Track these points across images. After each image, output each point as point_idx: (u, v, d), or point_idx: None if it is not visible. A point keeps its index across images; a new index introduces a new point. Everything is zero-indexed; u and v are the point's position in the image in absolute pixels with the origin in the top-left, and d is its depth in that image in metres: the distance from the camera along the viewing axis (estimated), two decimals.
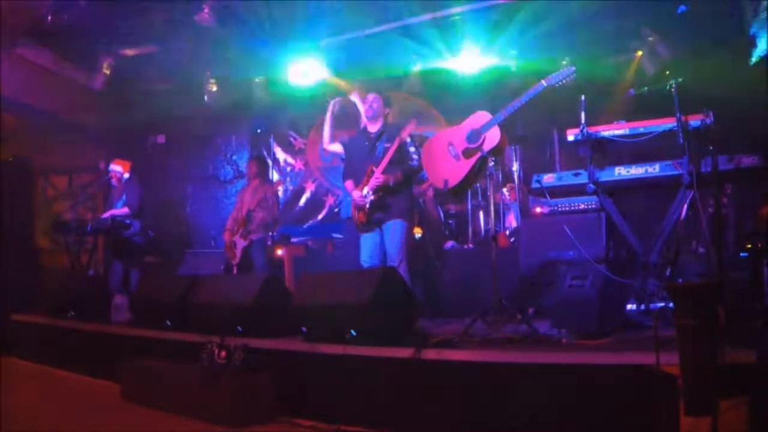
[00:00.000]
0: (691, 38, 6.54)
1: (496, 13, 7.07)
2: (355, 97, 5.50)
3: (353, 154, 5.02)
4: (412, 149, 4.82)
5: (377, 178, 4.68)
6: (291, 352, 3.94)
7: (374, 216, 4.75)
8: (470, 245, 6.80)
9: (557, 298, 3.83)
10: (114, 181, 7.14)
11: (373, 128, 4.94)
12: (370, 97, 4.98)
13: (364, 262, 4.84)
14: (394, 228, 4.72)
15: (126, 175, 7.12)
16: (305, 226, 8.80)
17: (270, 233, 6.72)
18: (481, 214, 7.01)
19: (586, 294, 3.65)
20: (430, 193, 7.03)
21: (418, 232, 6.11)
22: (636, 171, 4.10)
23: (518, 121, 7.24)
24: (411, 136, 4.85)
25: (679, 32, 6.76)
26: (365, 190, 4.73)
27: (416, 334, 3.77)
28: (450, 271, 5.95)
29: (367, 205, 4.72)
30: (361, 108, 5.18)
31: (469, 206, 6.96)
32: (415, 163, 4.78)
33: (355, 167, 4.94)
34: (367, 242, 4.83)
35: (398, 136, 4.72)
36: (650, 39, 7.13)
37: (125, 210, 6.88)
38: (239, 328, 4.30)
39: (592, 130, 4.16)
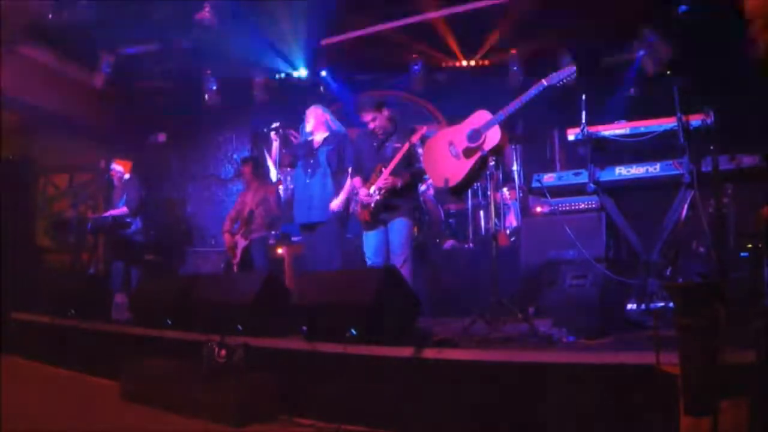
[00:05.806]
0: (691, 38, 6.55)
1: (496, 12, 7.08)
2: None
3: (361, 152, 5.00)
4: (420, 151, 4.79)
5: (386, 179, 4.67)
6: (291, 351, 3.93)
7: (379, 216, 4.74)
8: (470, 244, 6.81)
9: (558, 297, 3.83)
10: (115, 181, 7.17)
11: (379, 131, 4.92)
12: (368, 116, 4.88)
13: (369, 260, 4.84)
14: (399, 226, 4.71)
15: (126, 176, 7.14)
16: None
17: (272, 232, 6.72)
18: (482, 214, 7.01)
19: (586, 293, 3.65)
20: (431, 192, 7.04)
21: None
22: (636, 170, 4.10)
23: (519, 120, 7.25)
24: (423, 138, 4.83)
25: (679, 32, 6.76)
26: (372, 188, 4.71)
27: (416, 334, 3.77)
28: (450, 270, 5.95)
29: (372, 204, 4.71)
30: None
31: (470, 205, 6.96)
32: (423, 165, 4.71)
33: (363, 164, 4.93)
34: (371, 240, 4.82)
35: (408, 140, 4.71)
36: (650, 39, 7.14)
37: (124, 209, 6.89)
38: (239, 326, 4.29)
39: (592, 129, 4.16)
